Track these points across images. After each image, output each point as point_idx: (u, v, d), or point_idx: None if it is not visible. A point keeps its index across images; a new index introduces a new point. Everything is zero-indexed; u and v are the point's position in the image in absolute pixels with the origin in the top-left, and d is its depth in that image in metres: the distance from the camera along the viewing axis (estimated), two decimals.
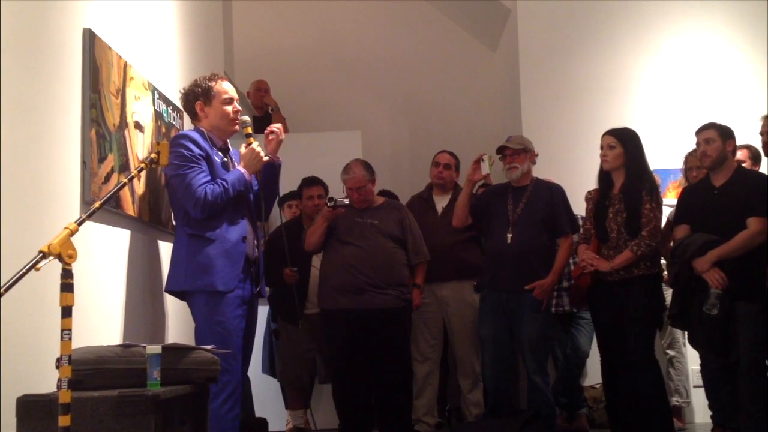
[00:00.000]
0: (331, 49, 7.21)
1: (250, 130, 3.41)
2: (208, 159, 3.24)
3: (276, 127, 3.53)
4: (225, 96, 3.35)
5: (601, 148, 4.25)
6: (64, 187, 2.69)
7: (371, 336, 4.46)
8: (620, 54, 5.95)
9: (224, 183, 3.21)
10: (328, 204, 4.40)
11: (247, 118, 3.44)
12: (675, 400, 5.02)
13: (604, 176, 4.28)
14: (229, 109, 3.36)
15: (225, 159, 3.37)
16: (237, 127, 3.41)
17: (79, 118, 2.80)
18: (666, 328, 4.89)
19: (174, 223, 3.44)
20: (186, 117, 3.99)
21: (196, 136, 3.25)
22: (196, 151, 3.20)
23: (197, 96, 3.34)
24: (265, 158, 3.37)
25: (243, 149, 3.38)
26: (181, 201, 3.21)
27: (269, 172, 3.49)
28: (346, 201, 4.41)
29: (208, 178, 3.20)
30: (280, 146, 3.53)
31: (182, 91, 3.42)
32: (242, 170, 3.31)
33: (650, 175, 4.25)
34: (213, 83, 3.35)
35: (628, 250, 4.06)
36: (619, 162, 4.19)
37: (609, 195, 4.22)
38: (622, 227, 4.13)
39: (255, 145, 3.37)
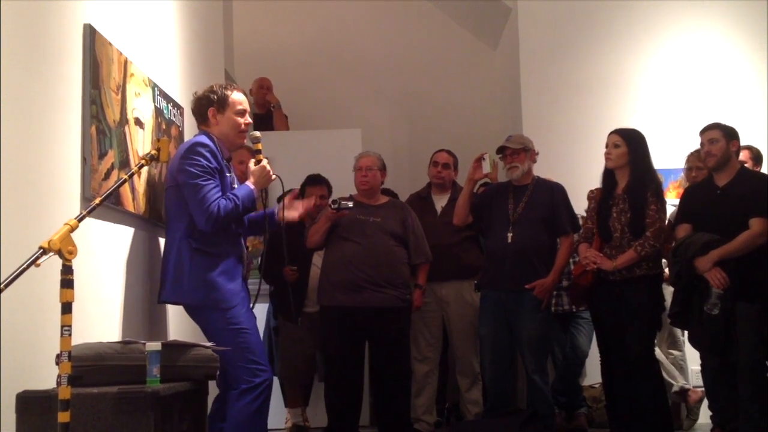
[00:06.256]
0: (331, 47, 7.20)
1: (260, 146, 3.39)
2: (221, 173, 3.22)
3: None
4: (239, 107, 3.33)
5: (606, 146, 4.24)
6: (64, 183, 2.68)
7: (367, 334, 4.46)
8: (621, 53, 5.95)
9: (235, 199, 3.17)
10: (332, 206, 4.39)
11: (257, 133, 3.42)
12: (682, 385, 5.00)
13: (608, 175, 4.28)
14: (240, 120, 3.33)
15: (230, 174, 3.34)
16: (244, 140, 3.40)
17: (79, 114, 2.79)
18: (666, 328, 4.88)
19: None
20: (186, 114, 3.99)
21: (214, 147, 3.21)
22: (214, 164, 3.17)
23: (212, 102, 3.31)
24: (274, 177, 3.36)
25: (252, 165, 3.36)
26: (191, 211, 3.14)
27: (270, 223, 3.50)
28: (350, 204, 4.39)
29: (220, 192, 3.16)
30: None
31: (195, 94, 3.39)
32: (251, 187, 3.28)
33: (655, 176, 4.24)
34: (229, 92, 3.32)
35: (632, 250, 4.05)
36: (622, 161, 4.19)
37: (613, 194, 4.22)
38: (626, 227, 4.12)
39: (265, 162, 3.35)
